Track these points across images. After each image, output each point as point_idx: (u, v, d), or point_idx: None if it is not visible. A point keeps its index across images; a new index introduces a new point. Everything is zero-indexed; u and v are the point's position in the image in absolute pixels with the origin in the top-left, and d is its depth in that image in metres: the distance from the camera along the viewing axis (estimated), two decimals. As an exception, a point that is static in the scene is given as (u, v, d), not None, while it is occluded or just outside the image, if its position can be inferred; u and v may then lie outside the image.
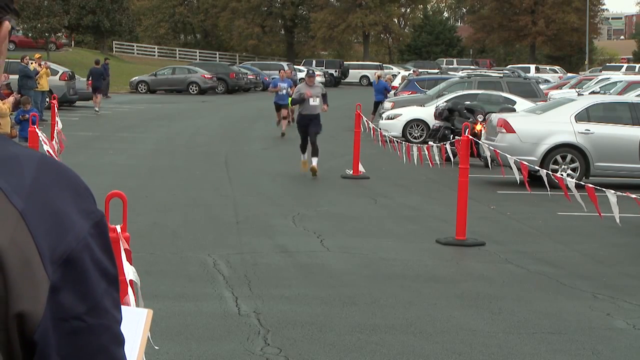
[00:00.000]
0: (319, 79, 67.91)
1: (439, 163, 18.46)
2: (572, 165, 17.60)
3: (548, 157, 17.55)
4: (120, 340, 1.42)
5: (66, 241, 1.35)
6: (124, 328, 1.46)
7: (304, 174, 18.39)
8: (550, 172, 12.65)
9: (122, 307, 1.50)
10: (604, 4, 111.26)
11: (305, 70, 19.47)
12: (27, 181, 1.36)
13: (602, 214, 10.37)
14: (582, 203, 10.63)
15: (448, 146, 16.39)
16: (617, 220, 10.03)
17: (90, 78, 36.77)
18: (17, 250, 1.32)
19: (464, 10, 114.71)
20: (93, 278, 1.37)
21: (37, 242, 1.33)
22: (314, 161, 18.13)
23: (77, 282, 1.36)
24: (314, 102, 18.39)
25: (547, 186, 11.88)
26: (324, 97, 18.94)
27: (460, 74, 37.59)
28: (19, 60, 29.83)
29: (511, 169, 12.78)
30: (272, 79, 28.42)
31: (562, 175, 16.59)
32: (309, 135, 18.35)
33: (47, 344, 1.34)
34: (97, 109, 35.89)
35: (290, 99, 26.95)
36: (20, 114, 21.95)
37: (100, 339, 1.37)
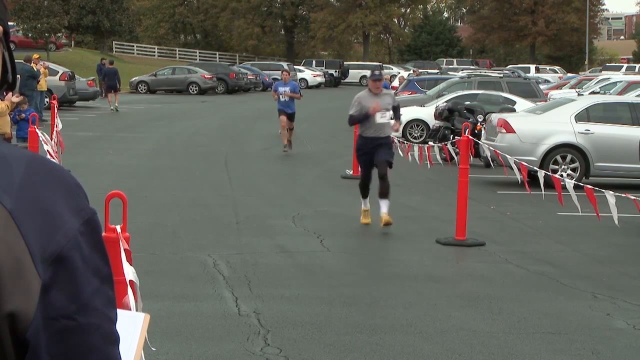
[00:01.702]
0: (319, 79, 68.14)
1: (441, 163, 18.43)
2: (572, 166, 17.58)
3: (548, 157, 17.53)
4: (113, 339, 1.40)
5: (56, 240, 1.34)
6: (120, 332, 1.45)
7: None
8: (548, 173, 12.64)
9: (119, 310, 1.49)
10: (604, 4, 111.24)
11: (370, 72, 13.10)
12: (16, 180, 1.35)
13: (600, 216, 10.36)
14: (578, 205, 10.62)
15: (450, 146, 16.37)
16: (616, 221, 10.02)
17: (105, 78, 37.54)
18: (7, 249, 1.31)
19: (464, 10, 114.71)
20: (83, 276, 1.36)
21: (27, 241, 1.32)
22: (384, 206, 12.29)
23: (68, 280, 1.35)
24: (383, 118, 12.42)
25: (542, 187, 11.85)
26: (395, 110, 12.78)
27: (460, 74, 37.61)
28: (22, 61, 29.79)
29: (511, 169, 12.79)
30: (273, 79, 28.25)
31: (561, 175, 16.59)
32: (377, 165, 12.39)
33: (38, 343, 1.33)
34: (116, 105, 36.78)
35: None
36: (17, 114, 21.93)
37: (91, 338, 1.36)
